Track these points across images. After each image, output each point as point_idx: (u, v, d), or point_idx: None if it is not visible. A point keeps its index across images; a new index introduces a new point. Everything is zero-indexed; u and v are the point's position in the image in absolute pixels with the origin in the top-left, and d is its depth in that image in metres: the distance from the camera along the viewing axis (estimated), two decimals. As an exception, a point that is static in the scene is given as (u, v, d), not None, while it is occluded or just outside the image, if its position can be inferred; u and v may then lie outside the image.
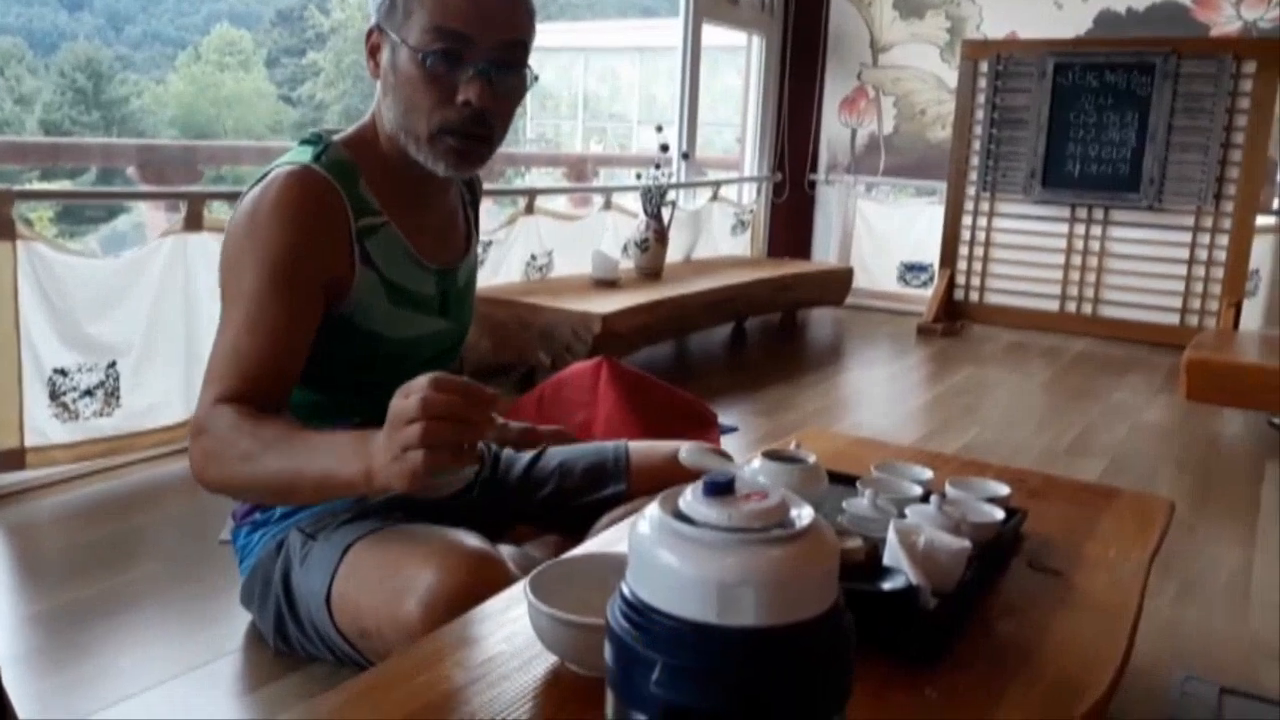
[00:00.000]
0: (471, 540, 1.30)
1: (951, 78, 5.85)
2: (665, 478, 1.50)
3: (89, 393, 2.60)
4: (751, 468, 1.39)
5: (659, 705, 0.61)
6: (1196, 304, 5.24)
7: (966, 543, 1.21)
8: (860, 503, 1.36)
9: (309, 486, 1.15)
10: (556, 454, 1.66)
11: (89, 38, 26.18)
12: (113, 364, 2.64)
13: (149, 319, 2.70)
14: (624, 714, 0.64)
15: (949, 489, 1.47)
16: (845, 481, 1.50)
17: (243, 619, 1.65)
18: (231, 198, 3.94)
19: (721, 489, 0.64)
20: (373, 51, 1.37)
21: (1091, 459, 3.17)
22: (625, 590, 0.65)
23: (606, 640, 0.65)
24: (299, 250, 1.29)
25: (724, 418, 3.32)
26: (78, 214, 15.54)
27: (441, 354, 1.53)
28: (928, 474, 1.55)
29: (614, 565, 1.08)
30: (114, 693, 1.59)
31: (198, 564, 2.07)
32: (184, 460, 2.77)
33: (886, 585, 1.13)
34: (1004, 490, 1.50)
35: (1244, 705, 1.70)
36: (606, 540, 1.38)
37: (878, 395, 4.21)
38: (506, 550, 1.48)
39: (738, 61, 6.61)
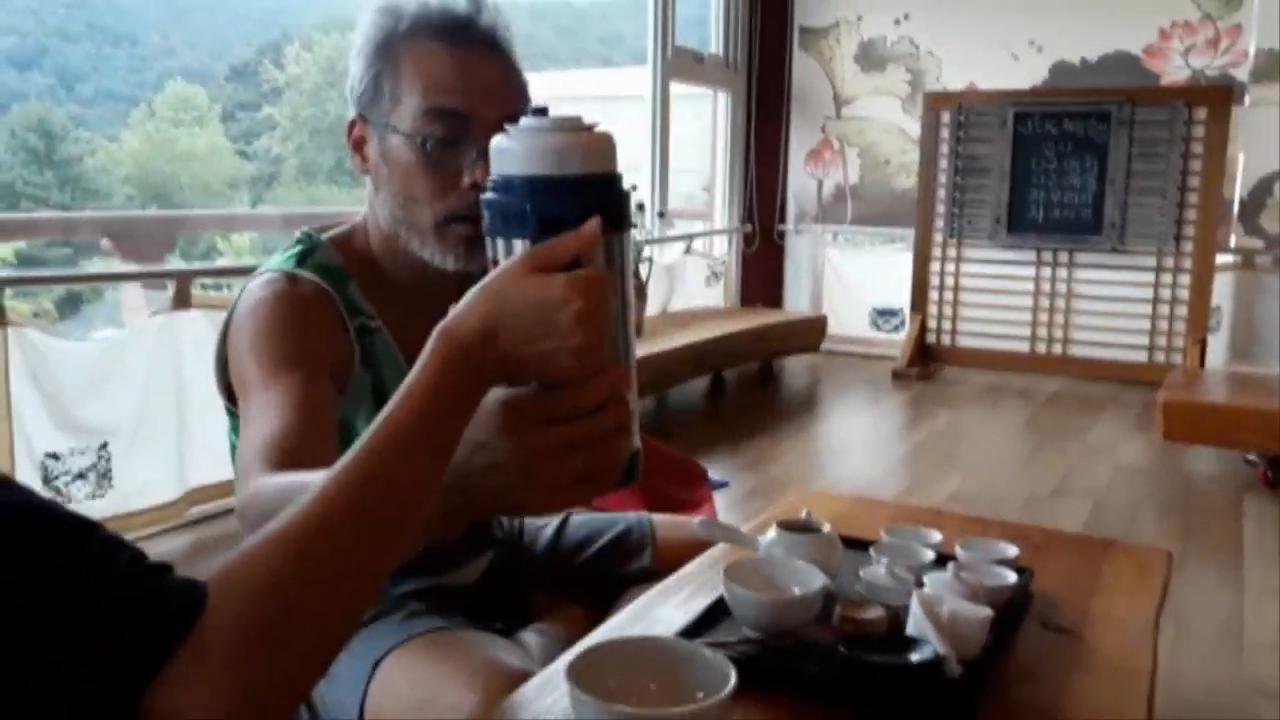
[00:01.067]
0: (509, 656, 1.28)
1: (914, 128, 5.99)
2: (689, 552, 1.51)
3: (81, 475, 2.58)
4: (769, 538, 1.41)
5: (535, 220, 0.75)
6: (1163, 341, 5.36)
7: (989, 611, 1.23)
8: (877, 571, 1.38)
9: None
10: (581, 525, 1.66)
11: (40, 97, 26.01)
12: (104, 445, 2.63)
13: (139, 398, 2.70)
14: (507, 248, 0.78)
15: (959, 552, 1.49)
16: (857, 546, 1.52)
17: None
18: (220, 274, 3.92)
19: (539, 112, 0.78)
20: (357, 145, 1.26)
21: (1075, 502, 3.23)
22: (495, 176, 0.78)
23: (484, 210, 0.79)
24: (300, 330, 1.19)
25: (711, 472, 3.35)
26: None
27: None
28: (937, 536, 1.57)
29: (648, 648, 1.09)
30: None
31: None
32: (179, 539, 2.77)
33: (915, 657, 1.15)
34: (1013, 551, 1.53)
35: (1249, 751, 1.73)
36: (631, 617, 1.39)
37: (860, 444, 4.25)
38: (527, 636, 1.47)
39: (697, 107, 6.72)
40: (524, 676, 1.21)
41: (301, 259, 1.26)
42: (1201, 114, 5.14)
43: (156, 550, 2.63)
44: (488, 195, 0.79)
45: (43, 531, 0.63)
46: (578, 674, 1.01)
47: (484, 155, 1.13)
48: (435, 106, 1.18)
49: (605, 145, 0.78)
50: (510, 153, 0.78)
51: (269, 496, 0.90)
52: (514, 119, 0.95)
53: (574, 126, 0.77)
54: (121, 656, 0.62)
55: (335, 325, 1.24)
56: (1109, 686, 1.24)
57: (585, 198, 0.76)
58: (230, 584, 0.67)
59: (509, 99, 1.21)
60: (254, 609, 0.66)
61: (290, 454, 1.03)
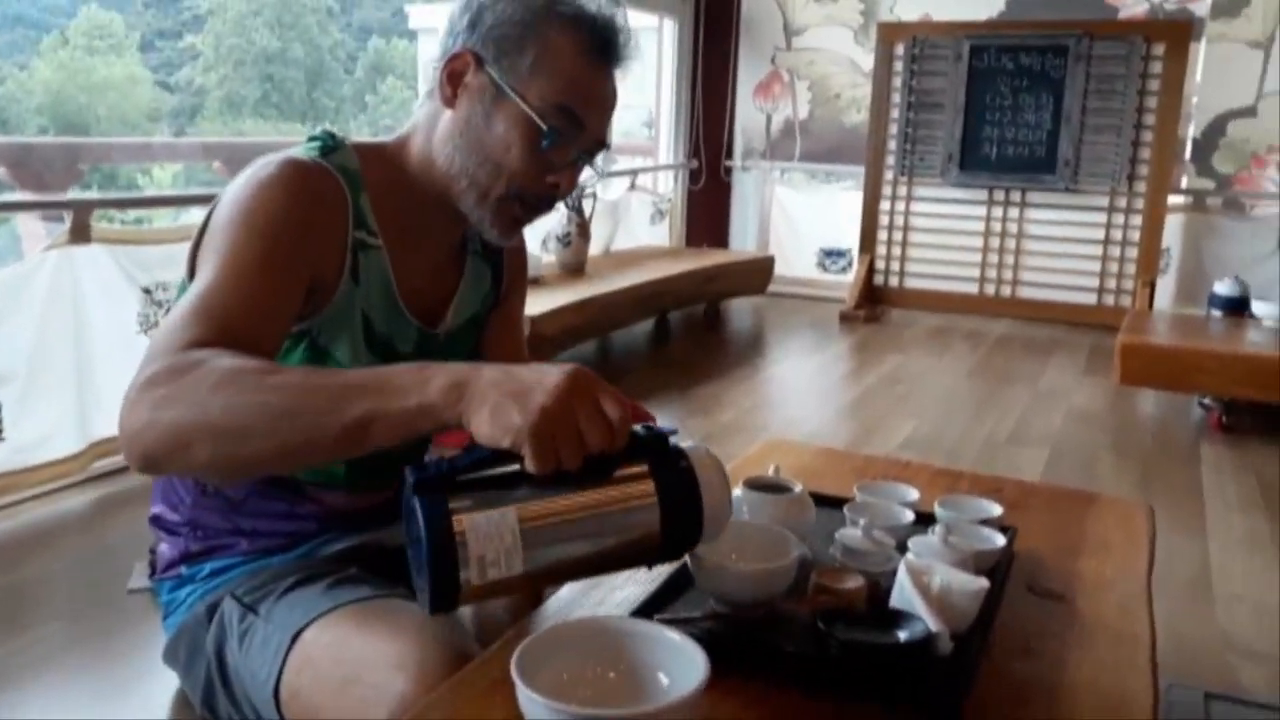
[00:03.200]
0: (446, 633, 1.14)
1: (866, 61, 5.83)
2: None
3: (-32, 426, 2.35)
4: (734, 498, 1.27)
5: None
6: (1112, 283, 5.33)
7: (985, 581, 1.11)
8: (854, 534, 1.25)
9: (338, 401, 0.89)
10: None
11: (-57, 23, 24.73)
12: (-6, 393, 2.40)
13: (34, 342, 2.46)
14: None
15: (940, 511, 1.38)
16: (829, 504, 1.39)
17: (164, 682, 1.46)
18: (122, 205, 3.64)
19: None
20: (454, 77, 1.20)
21: (1032, 449, 3.16)
22: None
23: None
24: (299, 226, 1.13)
25: (659, 419, 3.21)
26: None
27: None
28: (914, 494, 1.46)
29: (605, 631, 0.95)
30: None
31: (107, 618, 1.87)
32: (82, 496, 2.57)
33: (904, 635, 1.03)
34: (996, 510, 1.42)
35: (1231, 709, 1.66)
36: (582, 587, 1.24)
37: (810, 388, 4.15)
38: (464, 609, 1.34)
39: (643, 42, 6.49)
40: (463, 656, 1.09)
41: (324, 154, 1.21)
42: (1159, 50, 5.04)
43: (57, 508, 2.44)
44: None
45: None
46: (524, 665, 0.88)
47: (576, 164, 1.23)
48: (567, 106, 1.18)
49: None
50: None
51: (194, 368, 0.93)
52: (604, 144, 1.25)
53: None
54: None
55: (337, 231, 1.20)
56: (1110, 656, 1.15)
57: None
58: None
59: (609, 127, 1.26)
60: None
61: (224, 332, 1.00)
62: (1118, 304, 5.25)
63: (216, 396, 0.90)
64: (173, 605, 1.35)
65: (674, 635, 0.92)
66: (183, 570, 1.34)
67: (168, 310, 1.20)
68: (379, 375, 0.91)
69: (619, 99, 1.26)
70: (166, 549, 1.35)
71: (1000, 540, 1.30)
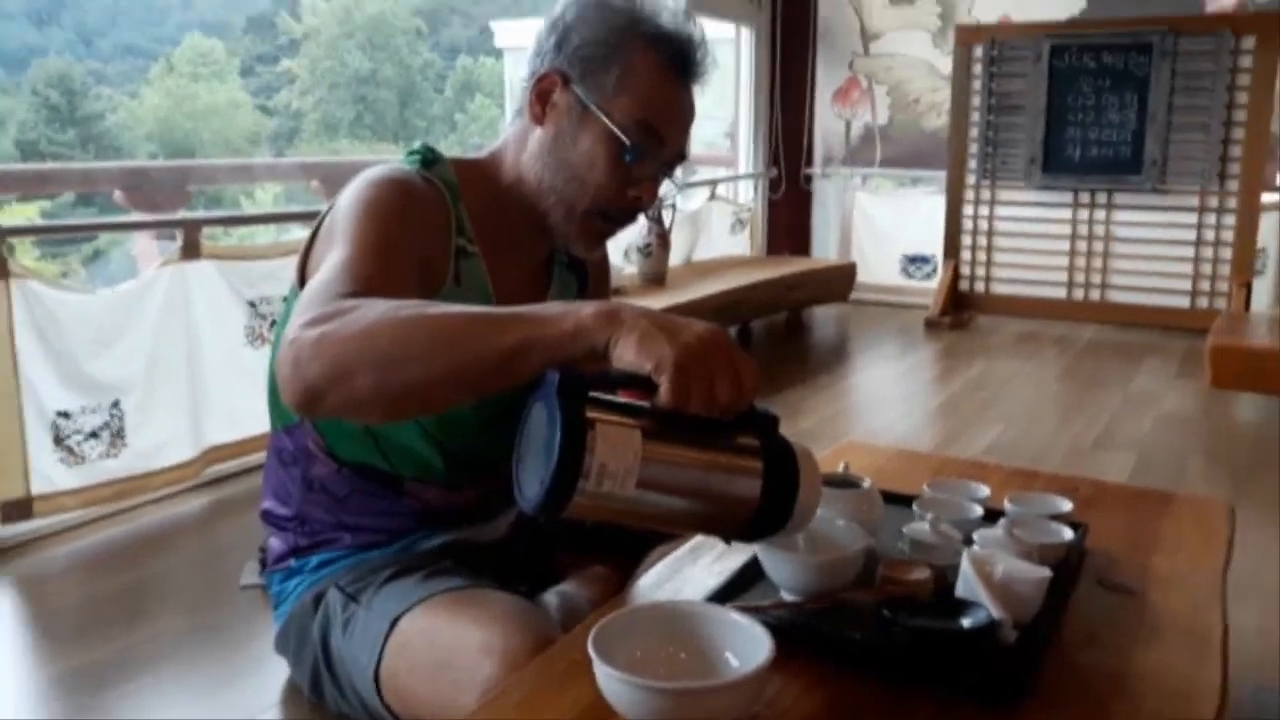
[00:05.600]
0: (531, 619, 1.21)
1: (944, 64, 5.79)
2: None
3: (94, 434, 2.52)
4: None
5: None
6: (1206, 285, 5.19)
7: (1047, 571, 1.14)
8: (921, 528, 1.29)
9: (497, 330, 0.91)
10: None
11: (59, 53, 25.98)
12: (116, 403, 2.57)
13: (150, 354, 2.63)
14: None
15: (1009, 507, 1.40)
16: (899, 501, 1.43)
17: (275, 673, 1.57)
18: (228, 223, 3.83)
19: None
20: (543, 96, 1.27)
21: (1120, 453, 3.11)
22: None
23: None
24: (411, 221, 1.19)
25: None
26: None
27: (491, 420, 1.33)
28: (984, 491, 1.48)
29: (677, 615, 1.01)
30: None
31: (220, 612, 1.99)
32: (197, 500, 2.72)
33: (967, 622, 1.06)
34: (1065, 505, 1.44)
35: (1315, 713, 1.64)
36: (658, 578, 1.31)
37: (894, 395, 4.14)
38: (549, 598, 1.41)
39: (720, 53, 6.54)
40: (546, 641, 1.15)
41: (425, 166, 1.29)
42: (1249, 43, 4.89)
43: (174, 512, 2.60)
44: None
45: None
46: (601, 644, 0.94)
47: (656, 178, 1.29)
48: (649, 122, 1.24)
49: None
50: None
51: (347, 307, 0.96)
52: (683, 157, 1.32)
53: None
54: None
55: (442, 232, 1.26)
56: (1179, 650, 1.16)
57: None
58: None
59: (688, 140, 1.32)
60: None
61: (374, 292, 1.01)
62: (1212, 306, 5.10)
63: (379, 326, 0.92)
64: (282, 596, 1.45)
65: (740, 618, 0.96)
66: (291, 563, 1.43)
67: (272, 323, 1.31)
68: (533, 308, 0.94)
69: (698, 112, 1.31)
70: (276, 543, 1.45)
71: (1067, 534, 1.32)
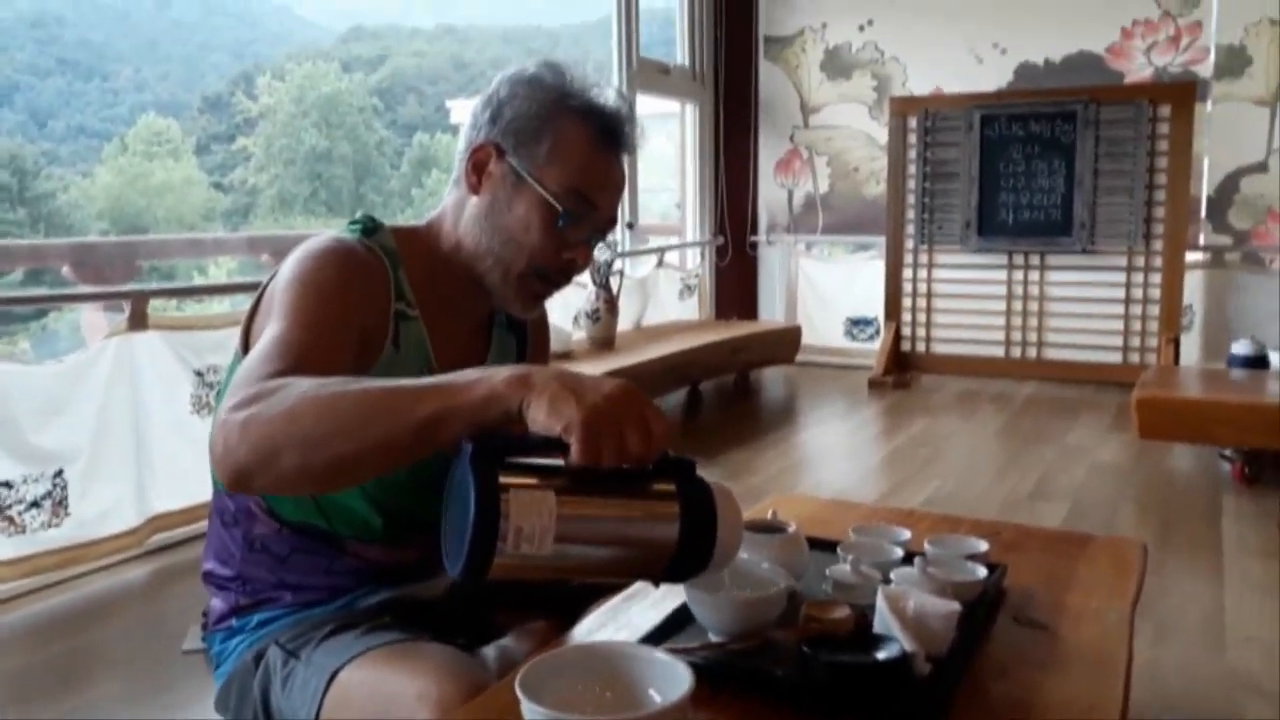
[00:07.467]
0: (466, 669, 1.24)
1: (881, 134, 6.01)
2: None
3: (35, 504, 2.51)
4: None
5: None
6: (1136, 341, 5.37)
7: (956, 605, 1.20)
8: (843, 569, 1.35)
9: (413, 401, 0.96)
10: None
11: (11, 134, 25.90)
12: (60, 472, 2.56)
13: (96, 424, 2.63)
14: None
15: (928, 548, 1.46)
16: (825, 547, 1.48)
17: (215, 734, 1.57)
18: (174, 294, 3.85)
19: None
20: (479, 166, 1.32)
21: (1054, 503, 3.20)
22: None
23: None
24: (349, 289, 1.23)
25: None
26: (3, 315, 15.18)
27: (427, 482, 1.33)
28: (905, 534, 1.54)
29: (603, 655, 1.05)
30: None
31: (162, 677, 1.98)
32: (140, 568, 2.71)
33: (881, 655, 1.11)
34: (982, 546, 1.50)
35: (1233, 744, 1.70)
36: (595, 624, 1.34)
37: (837, 453, 4.22)
38: (488, 651, 1.43)
39: (668, 126, 6.74)
40: (481, 688, 1.17)
41: (365, 234, 1.32)
42: (1166, 111, 5.17)
43: (118, 580, 2.58)
44: None
45: None
46: (529, 684, 0.97)
47: (590, 241, 1.35)
48: (580, 190, 1.29)
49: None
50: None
51: (276, 388, 1.00)
52: (615, 221, 1.37)
53: None
54: None
55: (381, 298, 1.30)
56: (1084, 680, 1.21)
57: None
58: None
59: (618, 205, 1.38)
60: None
61: (306, 368, 1.06)
62: (1143, 362, 5.27)
63: (302, 405, 0.97)
64: (223, 655, 1.45)
65: (664, 656, 0.99)
66: (233, 622, 1.44)
67: (219, 392, 1.34)
68: (449, 376, 0.99)
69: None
70: (218, 604, 1.46)
71: (981, 572, 1.38)
